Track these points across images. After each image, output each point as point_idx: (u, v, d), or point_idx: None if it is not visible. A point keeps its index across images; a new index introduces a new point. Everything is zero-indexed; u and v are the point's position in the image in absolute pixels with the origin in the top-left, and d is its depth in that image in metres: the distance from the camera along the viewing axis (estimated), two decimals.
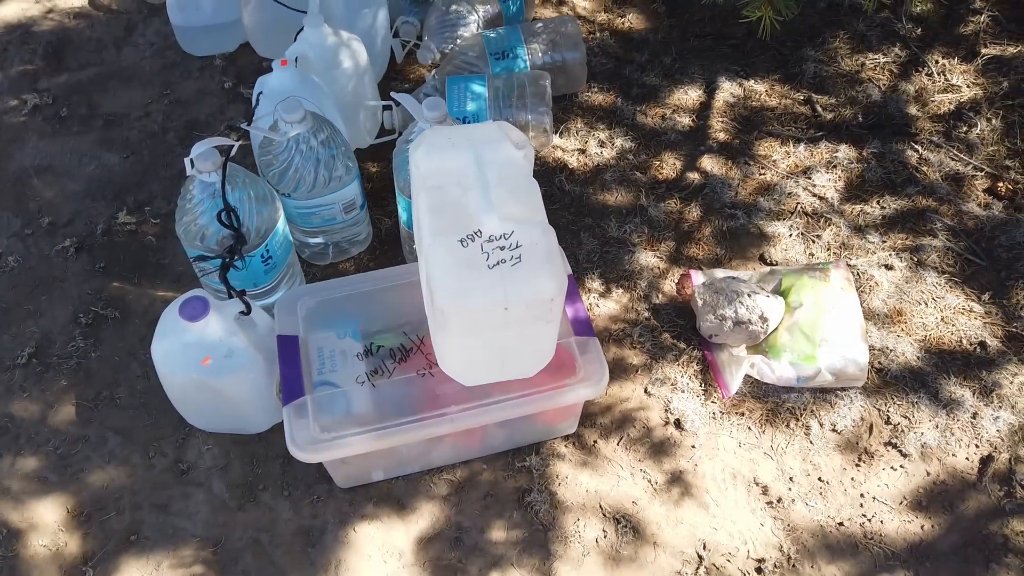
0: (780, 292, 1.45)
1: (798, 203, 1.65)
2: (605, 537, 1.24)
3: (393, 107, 1.54)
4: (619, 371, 1.41)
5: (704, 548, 1.24)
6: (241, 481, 1.29)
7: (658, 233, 1.59)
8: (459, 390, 1.19)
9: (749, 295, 1.39)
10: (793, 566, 1.22)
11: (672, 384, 1.39)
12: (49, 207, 1.62)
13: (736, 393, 1.38)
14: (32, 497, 1.27)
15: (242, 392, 1.21)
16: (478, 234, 1.04)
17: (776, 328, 1.40)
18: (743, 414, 1.37)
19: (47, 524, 1.24)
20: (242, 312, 1.22)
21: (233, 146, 1.20)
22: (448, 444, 1.29)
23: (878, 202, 1.65)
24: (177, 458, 1.31)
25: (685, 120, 1.79)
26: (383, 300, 1.30)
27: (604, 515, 1.26)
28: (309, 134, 1.32)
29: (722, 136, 1.77)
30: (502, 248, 1.03)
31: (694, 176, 1.70)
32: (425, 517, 1.26)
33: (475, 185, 1.07)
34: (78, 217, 1.61)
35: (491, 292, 1.00)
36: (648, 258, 1.56)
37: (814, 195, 1.66)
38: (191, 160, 1.20)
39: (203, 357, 1.16)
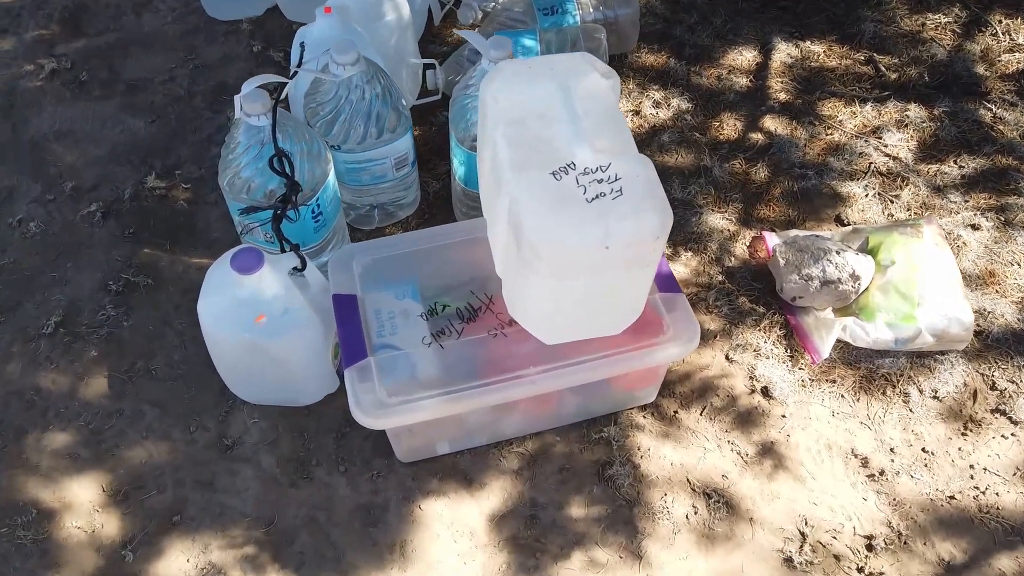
0: (867, 251, 1.34)
1: (871, 163, 1.54)
2: (696, 513, 1.13)
3: (436, 67, 1.43)
4: None
5: (806, 524, 1.13)
6: (292, 456, 1.17)
7: (725, 194, 1.48)
8: (535, 351, 1.08)
9: (838, 252, 1.28)
10: (905, 543, 1.11)
11: (755, 350, 1.28)
12: (71, 172, 1.51)
13: (824, 359, 1.26)
14: (64, 475, 1.15)
15: (297, 355, 1.10)
16: (571, 167, 0.93)
17: (867, 288, 1.29)
18: (834, 381, 1.26)
19: (81, 504, 1.12)
20: (296, 268, 1.11)
21: (285, 84, 1.09)
22: (519, 413, 1.18)
23: (955, 161, 1.55)
24: (221, 433, 1.19)
25: (742, 80, 1.69)
26: (444, 258, 1.18)
27: (693, 490, 1.15)
28: (361, 80, 1.21)
29: (783, 96, 1.66)
30: (600, 181, 0.92)
31: (757, 136, 1.59)
32: (496, 493, 1.14)
33: (563, 116, 0.96)
34: (103, 182, 1.49)
35: (591, 228, 0.89)
36: (716, 220, 1.45)
37: (887, 155, 1.56)
38: (239, 102, 1.09)
39: (257, 315, 1.04)
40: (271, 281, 1.05)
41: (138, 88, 1.68)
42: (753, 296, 1.35)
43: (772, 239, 1.41)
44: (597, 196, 0.91)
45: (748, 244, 1.42)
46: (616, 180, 0.92)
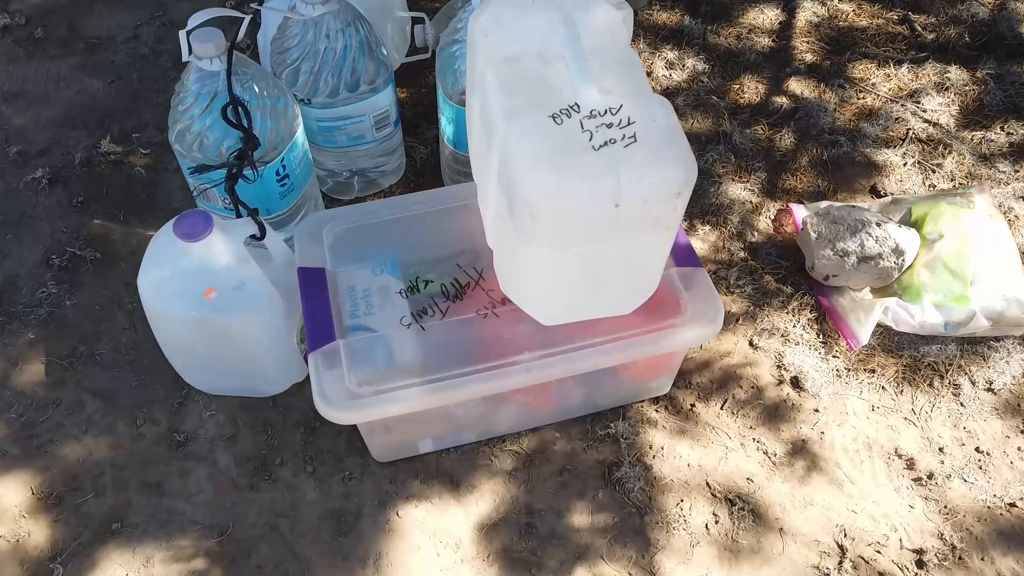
0: (911, 223, 1.17)
1: (909, 129, 1.38)
2: (717, 523, 0.97)
3: (425, 21, 1.26)
4: None
5: (845, 536, 0.97)
6: (253, 455, 1.01)
7: (747, 163, 1.32)
8: (532, 334, 0.92)
9: (878, 224, 1.12)
10: (960, 558, 0.95)
11: (782, 335, 1.12)
12: (19, 135, 1.35)
13: (863, 346, 1.10)
14: None
15: (255, 337, 0.94)
16: (574, 108, 0.76)
17: (911, 265, 1.12)
18: (874, 371, 1.10)
19: (5, 509, 0.97)
20: (254, 236, 0.95)
21: (241, 21, 0.93)
22: (513, 406, 1.02)
23: (1002, 128, 1.38)
24: (172, 427, 1.03)
25: (764, 40, 1.53)
26: (428, 227, 1.02)
27: (713, 495, 0.99)
28: (333, 23, 1.05)
29: (809, 57, 1.50)
30: (609, 126, 0.75)
31: (782, 100, 1.43)
32: (487, 498, 0.98)
33: (566, 52, 0.80)
34: (54, 146, 1.33)
35: (599, 180, 0.73)
36: (737, 190, 1.29)
37: (926, 120, 1.39)
38: (186, 41, 0.93)
39: (206, 288, 0.88)
40: (222, 250, 0.89)
41: (99, 47, 1.52)
42: (779, 275, 1.19)
43: (800, 211, 1.25)
44: (606, 143, 0.75)
45: (773, 217, 1.26)
46: (629, 124, 0.76)
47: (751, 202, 1.29)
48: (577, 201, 0.74)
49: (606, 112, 0.77)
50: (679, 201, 0.77)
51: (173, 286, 0.91)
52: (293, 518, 0.98)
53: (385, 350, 0.93)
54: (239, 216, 0.96)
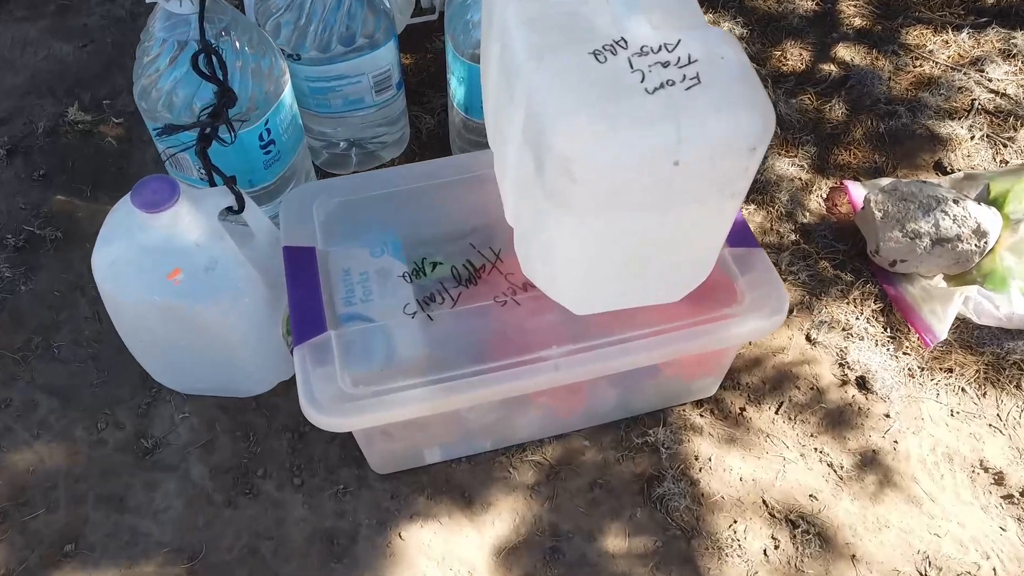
0: (989, 201, 1.02)
1: (974, 99, 1.22)
2: (777, 548, 0.82)
3: None
4: None
5: (929, 565, 0.81)
6: (231, 464, 0.86)
7: (793, 136, 1.16)
8: (560, 324, 0.77)
9: (955, 202, 0.96)
10: None
11: (844, 329, 0.97)
12: None
13: (939, 342, 0.95)
14: None
15: (232, 328, 0.79)
16: (621, 44, 0.61)
17: (992, 248, 0.97)
18: (951, 370, 0.94)
19: None
20: (231, 209, 0.80)
21: None
22: (536, 411, 0.87)
23: None
24: (138, 432, 0.88)
25: (807, 4, 1.38)
26: (435, 201, 0.88)
27: (771, 515, 0.84)
28: None
29: (858, 22, 1.34)
30: (665, 65, 0.60)
31: (830, 68, 1.27)
32: (504, 517, 0.83)
33: None
34: (15, 115, 1.18)
35: (654, 129, 0.58)
36: (784, 166, 1.13)
37: (992, 90, 1.24)
38: None
39: (172, 268, 0.73)
40: (191, 223, 0.74)
41: (70, 9, 1.37)
42: (837, 260, 1.04)
43: (858, 189, 1.10)
44: (662, 85, 0.59)
45: (825, 197, 1.10)
46: (690, 63, 0.60)
47: (800, 179, 1.13)
48: (626, 156, 0.59)
49: (660, 48, 0.62)
50: (752, 159, 0.62)
51: (132, 266, 0.76)
52: (277, 539, 0.83)
53: (385, 343, 0.78)
54: (212, 184, 0.81)
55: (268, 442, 0.90)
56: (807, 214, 1.11)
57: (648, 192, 0.62)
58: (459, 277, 0.83)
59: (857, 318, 0.99)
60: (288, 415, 0.92)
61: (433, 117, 1.19)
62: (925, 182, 1.03)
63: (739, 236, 0.84)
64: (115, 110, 1.21)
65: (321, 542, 0.84)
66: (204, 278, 0.76)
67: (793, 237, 1.08)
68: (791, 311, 1.01)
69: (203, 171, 0.84)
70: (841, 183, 1.13)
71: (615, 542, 0.84)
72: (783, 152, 1.17)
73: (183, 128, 0.81)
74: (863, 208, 1.04)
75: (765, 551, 0.83)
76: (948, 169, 1.16)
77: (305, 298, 0.80)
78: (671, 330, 0.78)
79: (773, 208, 1.11)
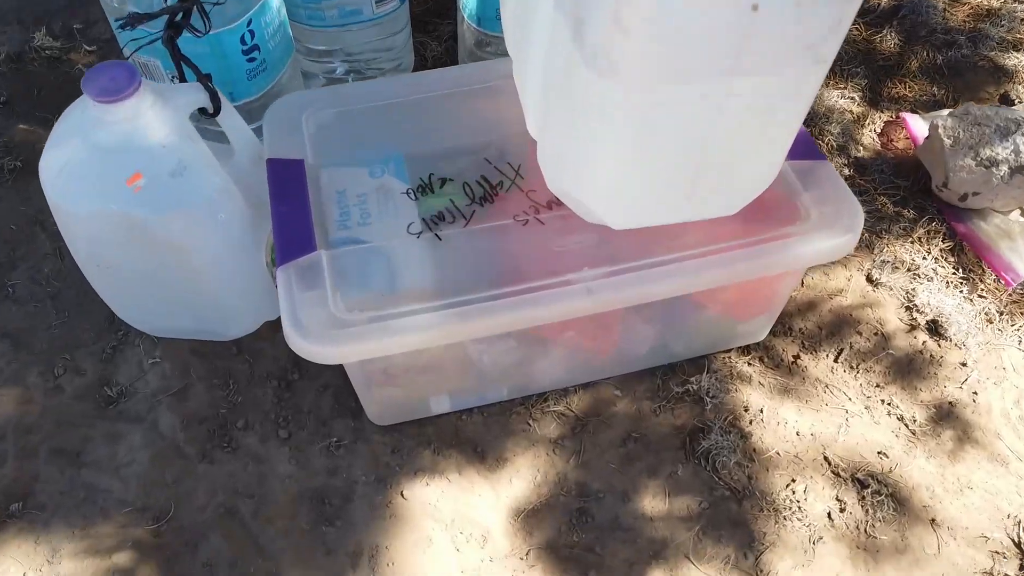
0: None
1: None
2: (843, 511, 0.69)
3: None
4: None
5: (1022, 531, 0.68)
6: (208, 415, 0.74)
7: (842, 67, 1.04)
8: (592, 246, 0.66)
9: None
10: None
11: (910, 269, 0.84)
12: None
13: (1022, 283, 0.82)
14: None
15: (204, 249, 0.67)
16: None
17: None
18: None
19: None
20: (204, 112, 0.67)
21: None
22: (561, 351, 0.74)
23: None
24: (102, 378, 0.76)
25: None
26: (444, 114, 0.76)
27: (835, 474, 0.71)
28: None
29: None
30: None
31: None
32: (523, 475, 0.71)
33: None
34: None
35: None
36: (834, 98, 1.01)
37: None
38: None
39: (131, 172, 0.61)
40: (155, 120, 0.62)
41: None
42: (897, 197, 0.91)
43: (917, 122, 0.98)
44: None
45: (879, 132, 0.97)
46: None
47: (851, 112, 1.01)
48: None
49: None
50: (847, 9, 0.49)
51: (85, 169, 0.63)
52: (259, 499, 0.71)
53: (386, 266, 0.66)
54: (182, 79, 0.69)
55: (251, 391, 0.78)
56: (861, 148, 0.98)
57: (715, 51, 0.50)
58: (473, 195, 0.71)
59: (924, 257, 0.87)
60: (274, 362, 0.80)
61: (440, 44, 1.07)
62: (1000, 106, 0.90)
63: (801, 148, 0.72)
64: (89, 38, 1.09)
65: (310, 502, 0.71)
66: (170, 185, 0.64)
67: (847, 172, 0.96)
68: None
69: (176, 75, 0.72)
70: (898, 116, 1.01)
71: (653, 503, 0.71)
72: (832, 83, 1.05)
73: (149, 17, 0.69)
74: (927, 138, 0.92)
75: (829, 514, 0.71)
76: (1016, 102, 1.04)
77: (292, 214, 0.68)
78: (724, 251, 0.66)
79: (823, 141, 0.99)
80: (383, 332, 0.61)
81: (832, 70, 1.07)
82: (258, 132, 0.78)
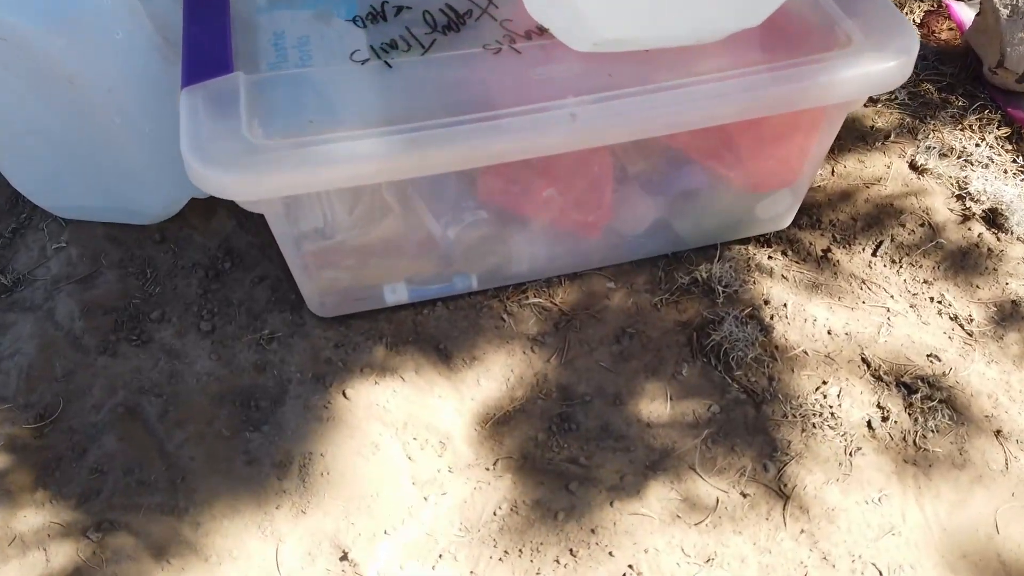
0: None
1: None
2: (886, 420, 0.55)
3: None
4: (853, 138, 0.73)
5: None
6: (116, 304, 0.61)
7: None
8: (581, 73, 0.52)
9: None
10: None
11: (960, 156, 0.70)
12: None
13: None
14: None
15: (98, 76, 0.53)
16: None
17: None
18: None
19: None
20: None
21: None
22: (540, 227, 0.61)
23: None
24: None
25: None
26: None
27: (877, 377, 0.57)
28: None
29: None
30: None
31: None
32: (494, 375, 0.57)
33: None
34: None
35: None
36: None
37: None
38: None
39: None
40: None
41: None
42: (942, 83, 0.77)
43: (963, 9, 0.84)
44: None
45: (919, 22, 0.84)
46: None
47: None
48: None
49: None
50: None
51: None
52: (168, 398, 0.57)
53: (318, 92, 0.52)
54: None
55: (172, 281, 0.64)
56: None
57: None
58: (434, 23, 0.58)
59: (978, 144, 0.73)
60: (203, 251, 0.67)
61: None
62: None
63: None
64: None
65: (232, 403, 0.58)
66: None
67: None
68: (887, 135, 0.74)
69: None
70: (942, 3, 0.87)
71: (651, 408, 0.57)
72: None
73: None
74: (979, 14, 0.79)
75: (869, 422, 0.57)
76: None
77: (206, 34, 0.54)
78: (746, 76, 0.52)
79: None
80: (307, 159, 0.48)
81: None
82: None
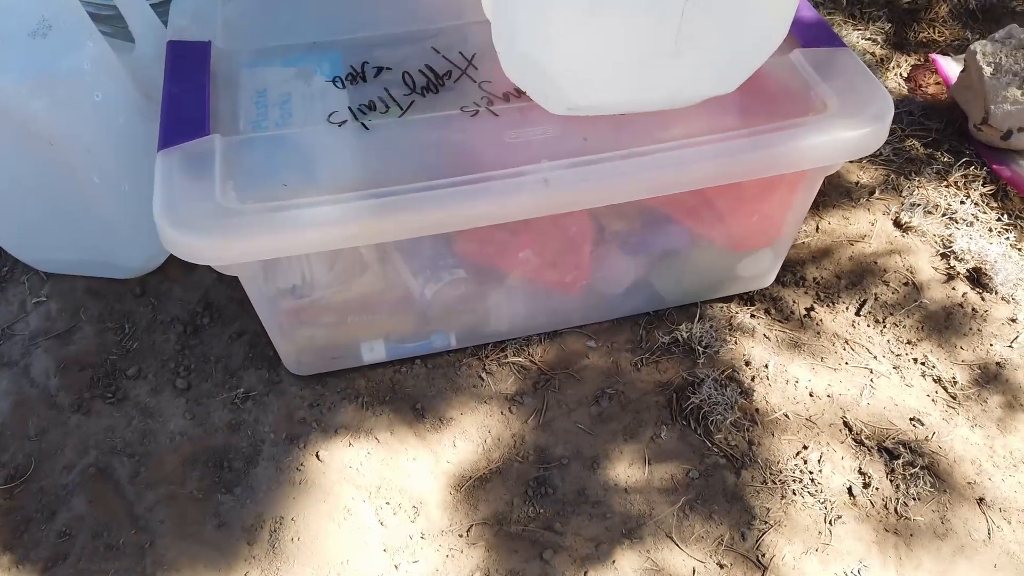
0: None
1: None
2: (868, 486, 0.55)
3: None
4: (837, 194, 0.73)
5: None
6: (93, 361, 0.60)
7: (862, 10, 0.91)
8: (555, 137, 0.52)
9: None
10: None
11: (945, 213, 0.70)
12: None
13: None
14: None
15: (75, 135, 0.54)
16: None
17: None
18: None
19: None
20: None
21: None
22: (518, 286, 0.60)
23: None
24: None
25: None
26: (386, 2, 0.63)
27: (859, 441, 0.57)
28: None
29: None
30: None
31: None
32: (470, 436, 0.56)
33: None
34: None
35: None
36: (854, 38, 0.89)
37: None
38: None
39: None
40: None
41: None
42: (927, 139, 0.77)
43: (948, 63, 0.85)
44: None
45: (906, 76, 0.84)
46: None
47: (874, 54, 0.88)
48: None
49: None
50: None
51: None
52: (140, 458, 0.57)
53: (293, 154, 0.52)
54: None
55: (150, 336, 0.64)
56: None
57: None
58: (412, 84, 0.58)
59: (962, 202, 0.73)
60: (182, 305, 0.66)
61: None
62: None
63: (815, 34, 0.59)
64: None
65: (205, 464, 0.57)
66: (30, 47, 0.51)
67: None
68: (871, 192, 0.74)
69: None
70: (930, 58, 0.87)
71: (629, 472, 0.57)
72: (852, 24, 0.92)
73: None
74: (963, 71, 0.79)
75: (850, 489, 0.56)
76: None
77: (185, 95, 0.54)
78: (721, 141, 0.52)
79: None
80: (278, 224, 0.48)
81: (851, 12, 0.94)
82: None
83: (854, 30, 0.92)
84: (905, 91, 0.87)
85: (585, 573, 0.53)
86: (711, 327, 0.64)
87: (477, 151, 0.53)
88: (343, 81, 0.59)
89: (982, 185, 0.75)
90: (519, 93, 0.57)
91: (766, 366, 0.62)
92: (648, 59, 0.49)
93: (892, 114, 0.52)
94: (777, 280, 0.68)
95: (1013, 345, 0.65)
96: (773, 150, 0.52)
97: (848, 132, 0.53)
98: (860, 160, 0.77)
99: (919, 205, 0.73)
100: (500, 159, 0.52)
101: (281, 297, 0.57)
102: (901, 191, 0.74)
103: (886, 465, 0.58)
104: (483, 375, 0.62)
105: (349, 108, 0.57)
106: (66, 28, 0.53)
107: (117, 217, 0.62)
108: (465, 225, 0.51)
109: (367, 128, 0.55)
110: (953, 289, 0.68)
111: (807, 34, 0.59)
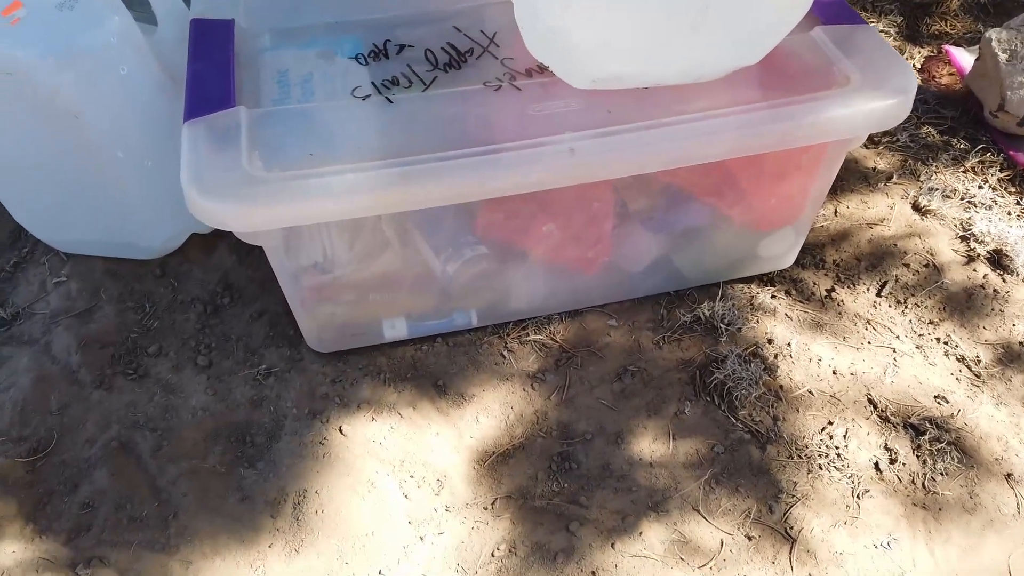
0: None
1: None
2: (894, 462, 0.54)
3: None
4: (855, 179, 0.73)
5: None
6: (114, 339, 0.60)
7: (876, 3, 0.92)
8: (579, 110, 0.52)
9: None
10: None
11: (964, 198, 0.70)
12: None
13: None
14: None
15: (100, 110, 0.54)
16: None
17: None
18: None
19: None
20: None
21: None
22: (539, 264, 0.60)
23: None
24: None
25: None
26: None
27: (884, 418, 0.56)
28: None
29: None
30: None
31: None
32: (494, 413, 0.56)
33: None
34: None
35: None
36: None
37: None
38: None
39: (8, 1, 0.48)
40: None
41: None
42: (943, 127, 0.77)
43: (962, 54, 0.85)
44: None
45: (920, 67, 0.85)
46: None
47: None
48: None
49: None
50: None
51: None
52: (162, 432, 0.56)
53: (319, 126, 0.52)
54: None
55: (170, 315, 0.64)
56: None
57: None
58: (435, 61, 0.58)
59: (980, 187, 0.73)
60: (202, 286, 0.66)
61: None
62: None
63: (835, 11, 0.59)
64: None
65: (227, 439, 0.57)
66: (56, 19, 0.51)
67: None
68: (889, 177, 0.74)
69: None
70: (943, 49, 0.88)
71: (653, 446, 0.56)
72: (865, 17, 0.92)
73: None
74: (978, 59, 0.79)
75: (877, 464, 0.56)
76: None
77: (209, 70, 0.55)
78: (744, 112, 0.52)
79: None
80: (304, 191, 0.48)
81: (863, 6, 0.95)
82: None
83: (869, 21, 0.92)
84: (919, 82, 0.87)
85: (612, 544, 0.52)
86: (733, 306, 0.64)
87: (501, 123, 0.53)
88: (365, 58, 0.59)
89: (999, 171, 0.75)
90: (542, 69, 0.57)
91: (789, 344, 0.62)
92: (671, 30, 0.49)
93: (916, 87, 0.52)
94: (797, 262, 0.68)
95: None
96: (798, 121, 0.52)
97: (872, 103, 0.53)
98: (877, 145, 0.78)
99: (937, 189, 0.73)
100: (524, 131, 0.52)
101: (304, 273, 0.57)
102: (918, 176, 0.75)
103: (912, 441, 0.57)
104: (505, 353, 0.62)
105: (372, 83, 0.57)
106: (92, 1, 0.53)
107: (139, 195, 0.62)
108: (487, 195, 0.51)
109: (391, 102, 0.55)
110: (974, 271, 0.68)
111: (828, 12, 0.60)
